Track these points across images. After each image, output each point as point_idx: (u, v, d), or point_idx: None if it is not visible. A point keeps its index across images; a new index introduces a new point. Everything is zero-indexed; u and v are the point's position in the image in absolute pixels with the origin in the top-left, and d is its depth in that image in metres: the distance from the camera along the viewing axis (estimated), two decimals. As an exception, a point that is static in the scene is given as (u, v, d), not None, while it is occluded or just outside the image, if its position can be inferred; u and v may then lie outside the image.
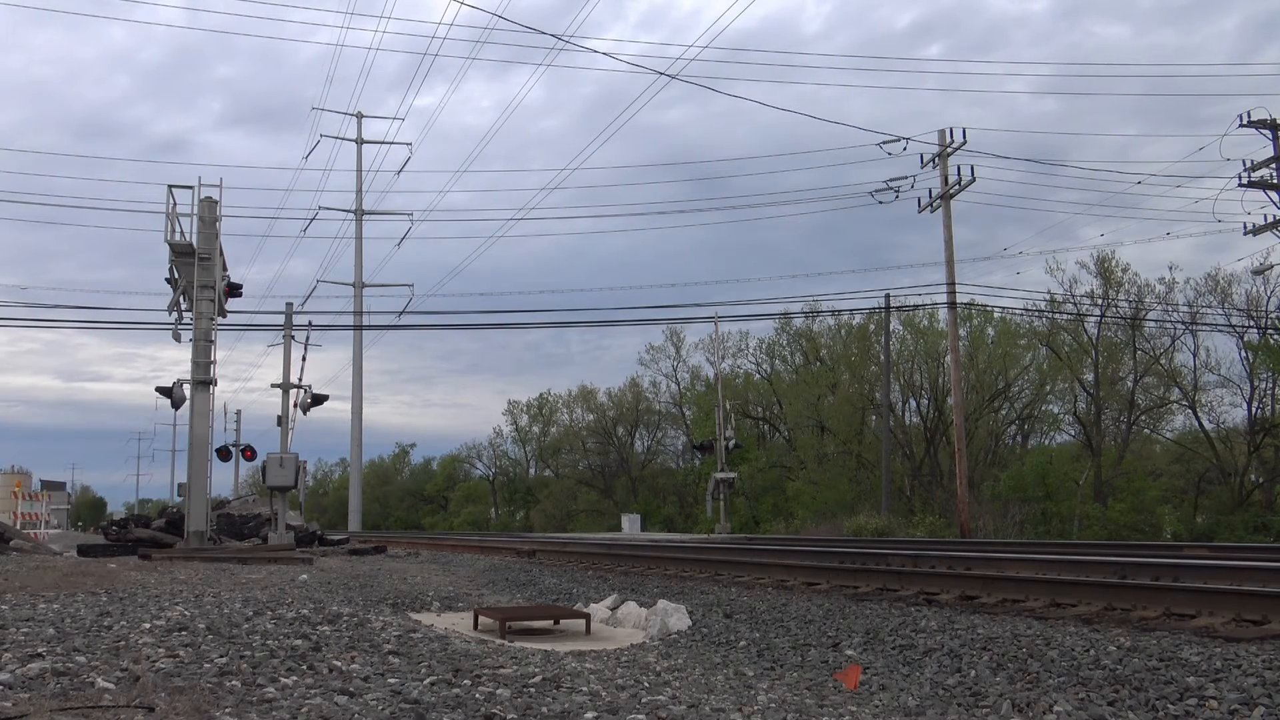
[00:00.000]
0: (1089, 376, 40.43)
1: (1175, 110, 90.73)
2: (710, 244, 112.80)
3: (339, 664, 5.32)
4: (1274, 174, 27.32)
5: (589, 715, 4.41)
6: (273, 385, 25.13)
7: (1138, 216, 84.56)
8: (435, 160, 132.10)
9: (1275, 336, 35.90)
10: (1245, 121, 27.19)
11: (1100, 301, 39.58)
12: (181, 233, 18.66)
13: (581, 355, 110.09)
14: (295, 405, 24.09)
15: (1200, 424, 38.62)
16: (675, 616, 8.01)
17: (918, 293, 63.14)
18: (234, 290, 20.40)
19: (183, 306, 19.31)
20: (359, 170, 57.21)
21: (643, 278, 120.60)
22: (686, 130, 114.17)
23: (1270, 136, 27.30)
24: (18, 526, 31.40)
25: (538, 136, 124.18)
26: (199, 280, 18.69)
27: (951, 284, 29.48)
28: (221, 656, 5.27)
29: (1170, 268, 66.79)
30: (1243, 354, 37.39)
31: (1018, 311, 39.19)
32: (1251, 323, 37.05)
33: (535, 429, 72.56)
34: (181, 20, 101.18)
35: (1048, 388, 41.95)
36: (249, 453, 27.23)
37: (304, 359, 24.43)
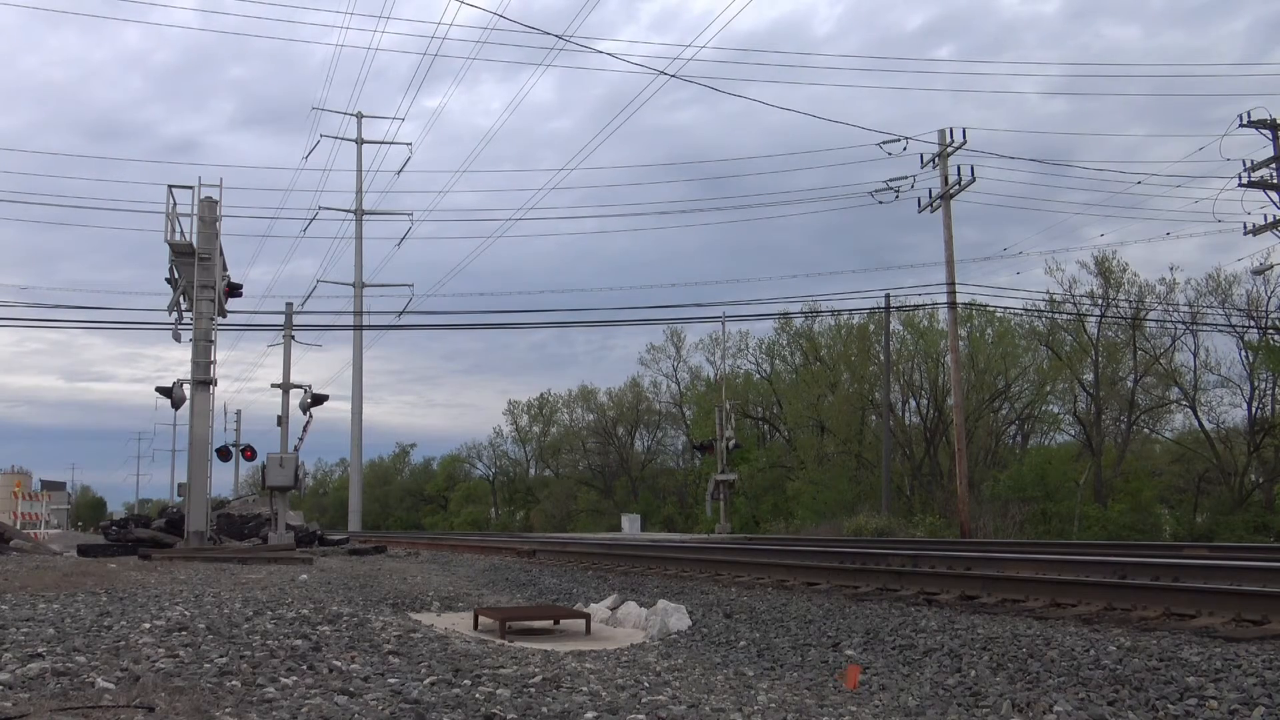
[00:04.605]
0: (1089, 376, 40.43)
1: (1184, 111, 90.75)
2: (717, 244, 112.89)
3: (339, 664, 5.32)
4: (1274, 174, 27.31)
5: (589, 715, 4.41)
6: (273, 385, 25.14)
7: (1142, 217, 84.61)
8: (447, 161, 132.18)
9: (1275, 337, 35.91)
10: (1245, 121, 27.18)
11: (1100, 301, 39.61)
12: (181, 233, 18.65)
13: (586, 355, 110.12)
14: (305, 415, 24.03)
15: (1200, 424, 38.65)
16: (675, 616, 8.01)
17: (920, 293, 63.20)
18: (234, 290, 20.40)
19: (183, 306, 19.31)
20: (359, 170, 57.27)
21: (648, 278, 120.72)
22: (697, 131, 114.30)
23: (1270, 136, 27.29)
24: (18, 526, 31.41)
25: (548, 137, 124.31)
26: (199, 280, 18.69)
27: (951, 284, 29.48)
28: (221, 656, 5.27)
29: (1171, 268, 66.93)
30: (1243, 354, 37.43)
31: (1018, 312, 39.23)
32: (1252, 323, 37.08)
33: (535, 429, 72.62)
34: (195, 22, 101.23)
35: (1048, 388, 41.95)
36: (249, 453, 27.20)
37: (309, 414, 24.17)
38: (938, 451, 42.03)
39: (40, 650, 5.10)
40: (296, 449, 23.10)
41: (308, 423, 24.11)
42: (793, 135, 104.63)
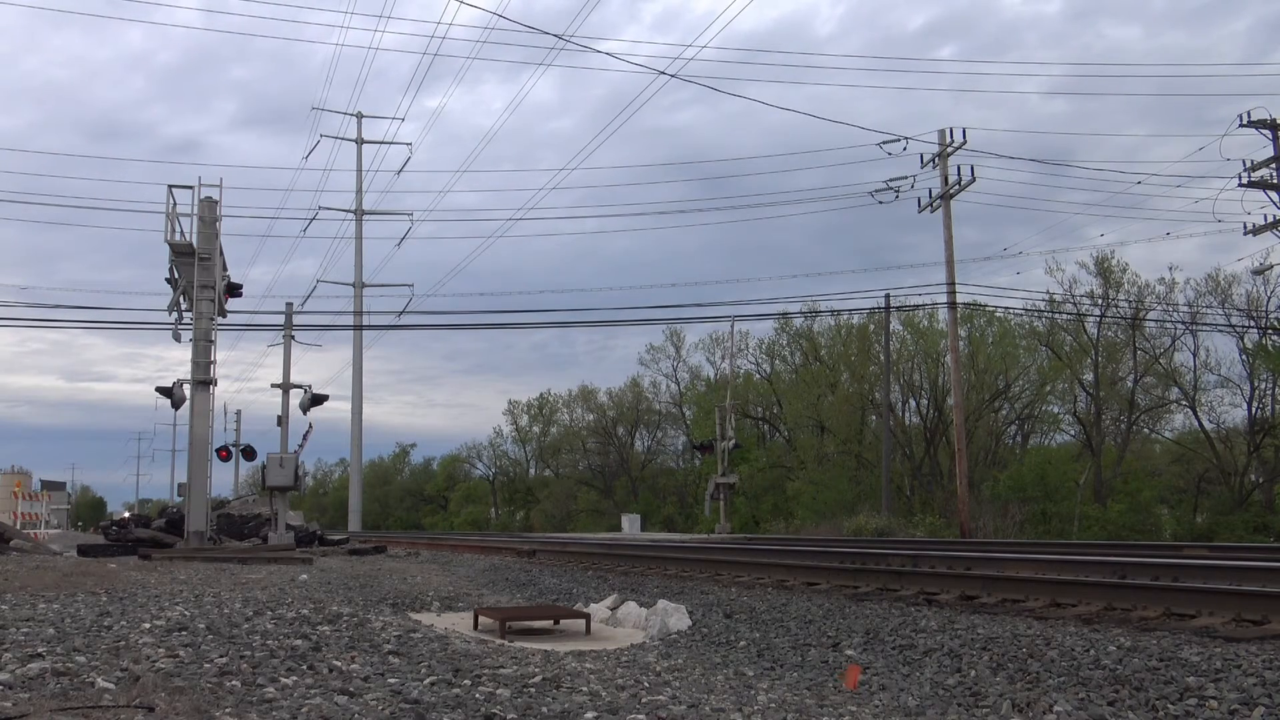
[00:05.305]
0: (1089, 376, 40.42)
1: (1185, 111, 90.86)
2: (717, 244, 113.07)
3: (339, 664, 5.32)
4: (1274, 174, 27.30)
5: (589, 715, 4.41)
6: (273, 385, 25.14)
7: (1142, 217, 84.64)
8: (447, 161, 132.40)
9: (1275, 338, 35.88)
10: (1245, 121, 27.16)
11: (1100, 301, 39.60)
12: (181, 233, 18.66)
13: (587, 355, 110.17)
14: (306, 425, 24.11)
15: (1200, 424, 38.66)
16: (675, 616, 8.01)
17: (920, 293, 63.29)
18: (234, 290, 20.40)
19: (183, 306, 19.31)
20: (359, 170, 57.27)
21: (649, 278, 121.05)
22: (697, 132, 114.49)
23: (1270, 136, 27.28)
24: (18, 526, 31.39)
25: (549, 137, 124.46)
26: (199, 280, 18.69)
27: (951, 284, 29.47)
28: (221, 656, 5.27)
29: (1170, 268, 66.93)
30: (1243, 354, 37.41)
31: (1018, 312, 39.21)
32: (1251, 323, 37.07)
33: (535, 429, 72.59)
34: (199, 22, 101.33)
35: (1048, 388, 41.94)
36: (249, 453, 27.20)
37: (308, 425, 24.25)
38: (938, 451, 42.02)
39: (40, 650, 5.10)
40: (297, 452, 23.11)
41: (308, 432, 24.13)
42: (793, 135, 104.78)
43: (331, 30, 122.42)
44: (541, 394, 71.92)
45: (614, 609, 9.03)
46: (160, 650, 5.33)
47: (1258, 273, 33.82)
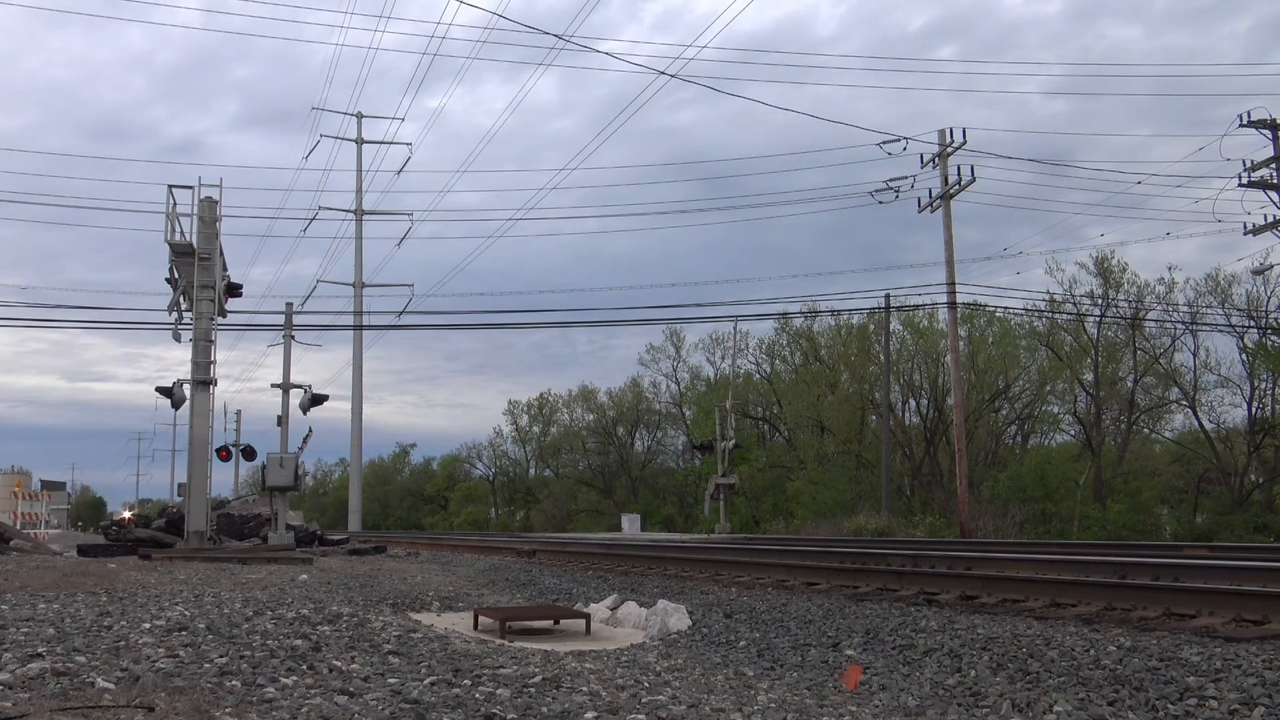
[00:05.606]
0: (1089, 376, 40.41)
1: (1185, 111, 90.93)
2: (719, 245, 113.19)
3: (339, 664, 5.32)
4: (1274, 174, 27.30)
5: (589, 715, 4.41)
6: (273, 385, 25.14)
7: (1143, 217, 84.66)
8: (449, 160, 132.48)
9: (1275, 338, 35.86)
10: (1245, 121, 27.16)
11: (1100, 301, 39.59)
12: (181, 233, 18.65)
13: (587, 355, 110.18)
14: (306, 429, 24.15)
15: (1200, 424, 38.64)
16: (675, 616, 8.01)
17: (920, 293, 63.26)
18: (234, 290, 20.39)
19: (183, 306, 19.31)
20: (359, 170, 57.26)
21: (649, 278, 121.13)
22: (698, 132, 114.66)
23: (1270, 136, 27.27)
24: (18, 526, 31.40)
25: (551, 137, 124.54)
26: (199, 280, 18.68)
27: (951, 284, 29.46)
28: (221, 656, 5.27)
29: (1170, 268, 66.96)
30: (1243, 354, 37.40)
31: (1018, 312, 39.20)
32: (1251, 323, 37.06)
33: (535, 429, 72.58)
34: (199, 22, 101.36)
35: (1048, 388, 41.94)
36: (249, 453, 27.19)
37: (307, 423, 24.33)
38: (938, 451, 42.02)
39: (40, 650, 5.10)
40: (297, 452, 23.11)
41: (307, 436, 24.10)
42: (793, 135, 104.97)
43: (331, 30, 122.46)
44: (541, 394, 72.01)
45: (614, 609, 9.03)
46: (160, 650, 5.33)
47: (1258, 273, 33.81)
